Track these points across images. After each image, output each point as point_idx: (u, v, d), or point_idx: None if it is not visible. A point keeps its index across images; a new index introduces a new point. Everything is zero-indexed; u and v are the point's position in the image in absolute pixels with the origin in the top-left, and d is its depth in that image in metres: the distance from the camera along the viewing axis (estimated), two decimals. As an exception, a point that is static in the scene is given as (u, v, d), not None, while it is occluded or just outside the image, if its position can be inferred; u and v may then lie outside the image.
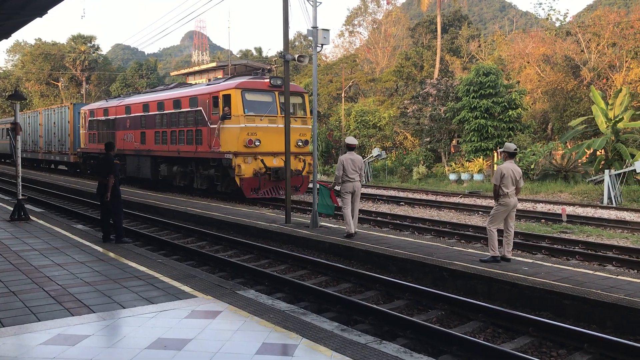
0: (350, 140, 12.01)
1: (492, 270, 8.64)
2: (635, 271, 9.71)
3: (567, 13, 68.03)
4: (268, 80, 19.15)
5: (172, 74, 55.49)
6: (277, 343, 5.24)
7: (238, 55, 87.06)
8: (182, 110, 21.16)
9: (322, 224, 13.44)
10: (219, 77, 29.80)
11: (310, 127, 19.30)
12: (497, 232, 9.30)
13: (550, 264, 9.23)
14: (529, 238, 12.68)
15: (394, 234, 12.37)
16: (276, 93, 19.07)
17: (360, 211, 14.62)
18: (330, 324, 5.91)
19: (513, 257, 9.51)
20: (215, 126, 19.06)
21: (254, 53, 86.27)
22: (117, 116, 26.66)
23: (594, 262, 10.34)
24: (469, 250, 10.47)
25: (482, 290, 8.35)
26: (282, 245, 12.13)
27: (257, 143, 18.44)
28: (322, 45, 13.51)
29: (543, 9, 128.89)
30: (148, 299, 6.71)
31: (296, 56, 13.85)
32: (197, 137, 20.11)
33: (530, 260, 9.53)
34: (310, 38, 13.61)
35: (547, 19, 46.00)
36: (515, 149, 9.40)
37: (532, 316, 7.04)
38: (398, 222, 15.28)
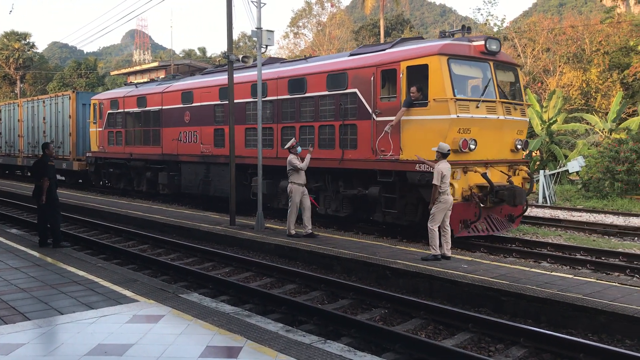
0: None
1: (433, 268, 8.85)
2: (568, 267, 10.13)
3: (505, 19, 70.31)
4: (482, 42, 12.00)
5: (112, 73, 54.09)
6: (221, 346, 5.21)
7: (181, 55, 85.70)
8: (307, 95, 14.09)
9: (268, 225, 13.41)
10: (162, 76, 25.82)
11: (528, 119, 13.50)
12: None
13: (488, 262, 9.54)
14: (467, 237, 13.01)
15: (339, 234, 12.49)
16: (491, 64, 12.11)
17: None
18: (275, 325, 5.92)
19: (453, 255, 9.77)
20: (389, 119, 12.11)
21: (198, 53, 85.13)
22: (165, 107, 19.14)
23: (529, 259, 10.73)
24: (412, 249, 10.68)
25: (424, 288, 8.54)
26: (227, 247, 12.04)
27: (472, 146, 11.37)
28: (267, 46, 13.49)
29: (482, 14, 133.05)
30: (87, 304, 6.53)
31: (240, 57, 13.79)
32: (344, 137, 13.11)
33: (470, 258, 9.81)
34: (254, 39, 13.56)
35: (486, 24, 47.43)
36: (449, 150, 9.73)
37: (472, 313, 7.27)
38: None
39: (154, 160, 19.93)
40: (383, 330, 6.58)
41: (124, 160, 21.56)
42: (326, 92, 13.58)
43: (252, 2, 13.12)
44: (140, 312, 6.22)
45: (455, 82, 11.43)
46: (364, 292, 8.22)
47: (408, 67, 11.84)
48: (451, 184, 10.56)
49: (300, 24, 65.38)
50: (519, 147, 12.46)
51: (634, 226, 15.22)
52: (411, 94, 11.67)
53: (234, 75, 14.25)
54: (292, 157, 11.92)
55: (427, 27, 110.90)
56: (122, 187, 22.51)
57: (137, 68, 41.47)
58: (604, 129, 27.84)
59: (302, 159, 12.03)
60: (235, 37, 65.86)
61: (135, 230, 13.86)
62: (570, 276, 8.53)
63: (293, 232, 11.93)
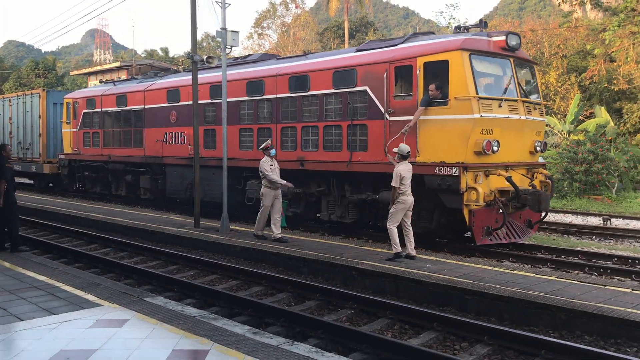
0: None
1: (398, 268, 8.93)
2: (530, 266, 10.35)
3: (467, 21, 71.56)
4: (503, 38, 11.35)
5: (72, 73, 52.94)
6: (187, 349, 5.15)
7: (143, 55, 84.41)
8: (311, 93, 13.13)
9: (233, 227, 13.32)
10: (123, 77, 24.32)
11: (545, 119, 12.83)
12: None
13: (452, 261, 9.68)
14: (432, 237, 13.15)
15: (305, 236, 12.49)
16: (511, 60, 11.54)
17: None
18: (242, 327, 5.89)
19: (417, 255, 9.88)
20: (403, 118, 11.28)
21: (160, 53, 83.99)
22: (148, 106, 18.02)
23: (492, 258, 10.92)
24: (377, 249, 10.76)
25: (390, 288, 8.61)
26: (192, 250, 11.91)
27: (495, 148, 10.77)
28: (232, 46, 13.41)
29: (444, 18, 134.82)
30: (49, 309, 6.37)
31: (205, 57, 13.66)
32: (353, 138, 12.24)
33: (434, 258, 9.94)
34: (219, 39, 13.47)
35: (448, 27, 48.14)
36: (408, 152, 9.77)
37: (437, 312, 7.37)
38: None
39: (135, 163, 18.80)
40: (350, 331, 6.61)
41: (101, 163, 20.28)
42: (332, 90, 12.68)
43: (216, 2, 13.03)
44: (103, 317, 6.11)
45: (477, 80, 10.76)
46: (331, 293, 8.24)
47: (425, 64, 11.06)
48: (474, 189, 10.43)
49: (265, 25, 65.17)
50: (538, 148, 11.90)
51: (591, 225, 15.67)
52: (430, 92, 10.90)
53: (227, 72, 13.72)
54: (264, 162, 11.60)
55: (391, 29, 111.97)
56: (98, 192, 21.28)
57: (98, 68, 40.66)
58: (562, 131, 28.54)
59: (275, 162, 11.75)
60: (198, 37, 65.29)
61: (97, 233, 13.59)
62: (532, 275, 8.73)
63: (260, 233, 11.82)
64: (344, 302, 7.96)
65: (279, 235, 11.54)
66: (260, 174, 11.60)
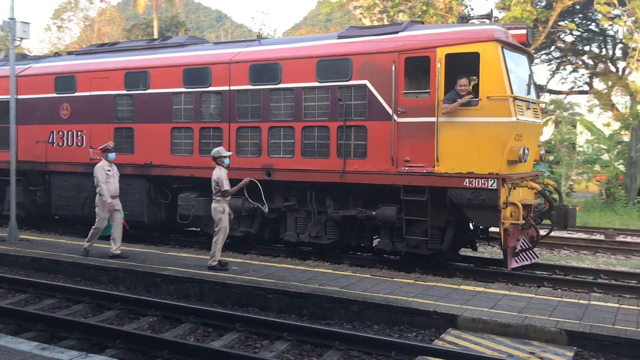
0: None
1: (203, 272, 8.93)
2: (329, 263, 10.97)
3: (277, 29, 73.77)
4: (524, 32, 10.00)
5: None
6: (-41, 374, 4.63)
7: None
8: (283, 85, 10.75)
9: (23, 237, 12.17)
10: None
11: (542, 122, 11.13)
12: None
13: (258, 262, 9.94)
14: (236, 240, 13.01)
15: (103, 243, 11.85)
16: (527, 57, 10.47)
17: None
18: (29, 344, 5.44)
19: (222, 258, 9.87)
20: (416, 120, 9.61)
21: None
22: (22, 96, 14.00)
23: (295, 258, 11.38)
24: (183, 254, 10.63)
25: (195, 293, 8.57)
26: (-28, 263, 10.66)
27: (527, 157, 9.54)
28: (22, 39, 12.28)
29: (255, 23, 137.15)
30: None
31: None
32: (347, 142, 10.19)
33: (240, 260, 10.11)
34: (7, 30, 12.24)
35: (259, 32, 49.16)
36: (219, 155, 9.44)
37: (239, 313, 7.52)
38: None
39: None
40: (151, 338, 6.46)
41: None
42: (316, 84, 10.44)
43: (3, -11, 11.79)
44: None
45: (511, 77, 9.32)
46: (132, 302, 7.96)
47: (448, 55, 9.38)
48: (514, 204, 9.18)
49: (65, 17, 60.54)
50: (542, 157, 10.75)
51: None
52: (460, 88, 9.30)
53: (157, 56, 12.08)
54: (99, 167, 10.19)
55: (203, 31, 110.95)
56: None
57: None
58: None
59: (114, 168, 10.46)
60: (-15, 25, 58.50)
61: None
62: (331, 271, 9.30)
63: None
64: (147, 309, 7.74)
65: (119, 251, 10.21)
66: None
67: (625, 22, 25.83)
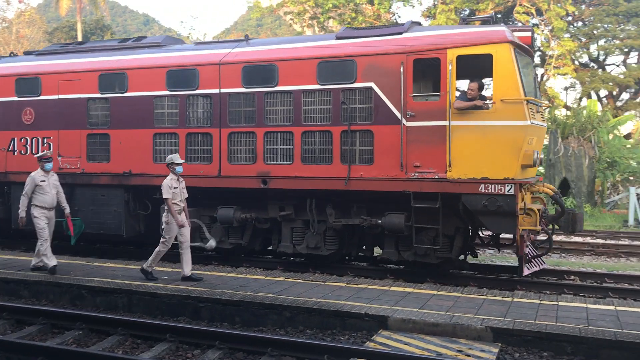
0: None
1: (132, 282, 8.68)
2: (262, 269, 10.89)
3: (206, 34, 72.84)
4: (529, 34, 9.98)
5: None
6: None
7: None
8: (280, 88, 10.29)
9: None
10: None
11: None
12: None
13: (195, 271, 9.72)
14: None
15: (24, 254, 11.32)
16: (531, 60, 10.46)
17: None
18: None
19: (156, 269, 9.62)
20: (426, 124, 9.36)
21: None
22: None
23: (227, 265, 11.23)
24: (111, 265, 10.30)
25: (123, 304, 8.32)
26: None
27: (539, 161, 9.42)
28: None
29: (184, 27, 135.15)
30: None
31: None
32: (352, 147, 9.83)
33: (170, 269, 9.90)
34: None
35: (188, 37, 48.39)
36: (171, 162, 9.14)
37: (169, 323, 7.37)
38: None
39: None
40: (75, 353, 6.22)
41: None
42: (316, 86, 10.04)
43: None
44: None
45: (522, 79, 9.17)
46: (55, 315, 7.63)
47: (459, 57, 9.19)
48: (531, 210, 9.05)
49: (-20, 19, 57.62)
50: (542, 162, 10.32)
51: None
52: (469, 92, 9.19)
53: (136, 57, 11.21)
54: (34, 176, 9.60)
55: (130, 34, 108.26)
56: None
57: None
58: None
59: (51, 179, 9.74)
60: None
61: None
62: (263, 277, 9.26)
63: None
64: (72, 323, 7.44)
65: (41, 264, 9.61)
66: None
67: (542, 31, 27.24)
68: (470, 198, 9.05)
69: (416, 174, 9.35)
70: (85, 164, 11.77)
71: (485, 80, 10.27)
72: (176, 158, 9.18)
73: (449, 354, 6.20)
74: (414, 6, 27.24)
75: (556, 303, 7.73)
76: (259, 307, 7.63)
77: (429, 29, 10.44)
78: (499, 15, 27.58)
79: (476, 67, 9.54)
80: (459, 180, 9.08)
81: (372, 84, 9.69)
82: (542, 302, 7.79)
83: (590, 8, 29.08)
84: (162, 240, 9.14)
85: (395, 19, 27.05)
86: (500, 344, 6.53)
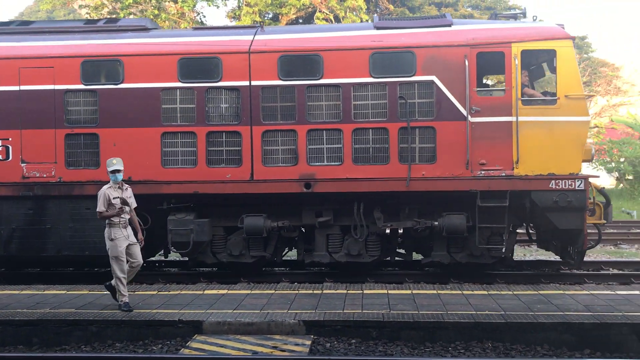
0: None
1: None
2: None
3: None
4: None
5: None
6: None
7: None
8: (325, 81, 9.20)
9: None
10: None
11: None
12: None
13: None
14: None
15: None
16: None
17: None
18: None
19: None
20: (491, 119, 9.02)
21: None
22: None
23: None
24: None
25: None
26: None
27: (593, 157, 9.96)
28: None
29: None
30: None
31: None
32: (411, 145, 9.08)
33: None
34: None
35: None
36: (114, 169, 7.61)
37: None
38: None
39: None
40: None
41: None
42: (369, 79, 9.20)
43: None
44: None
45: None
46: None
47: (524, 52, 9.12)
48: (598, 205, 9.14)
49: None
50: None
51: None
52: (529, 87, 9.40)
53: (132, 41, 9.45)
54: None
55: None
56: None
57: None
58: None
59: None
60: None
61: None
62: (64, 292, 8.56)
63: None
64: None
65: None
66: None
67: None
68: (541, 195, 8.98)
69: (482, 172, 9.09)
70: (64, 171, 9.63)
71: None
72: (118, 164, 7.64)
73: (264, 352, 6.29)
74: (218, 6, 27.02)
75: (361, 292, 8.26)
76: (62, 325, 7.02)
77: (483, 22, 10.43)
78: (300, 21, 28.74)
79: (541, 62, 9.89)
80: (528, 177, 9.02)
81: (434, 78, 9.21)
82: (348, 291, 8.27)
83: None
84: (111, 263, 7.58)
85: (200, 19, 26.76)
86: (312, 336, 6.78)
